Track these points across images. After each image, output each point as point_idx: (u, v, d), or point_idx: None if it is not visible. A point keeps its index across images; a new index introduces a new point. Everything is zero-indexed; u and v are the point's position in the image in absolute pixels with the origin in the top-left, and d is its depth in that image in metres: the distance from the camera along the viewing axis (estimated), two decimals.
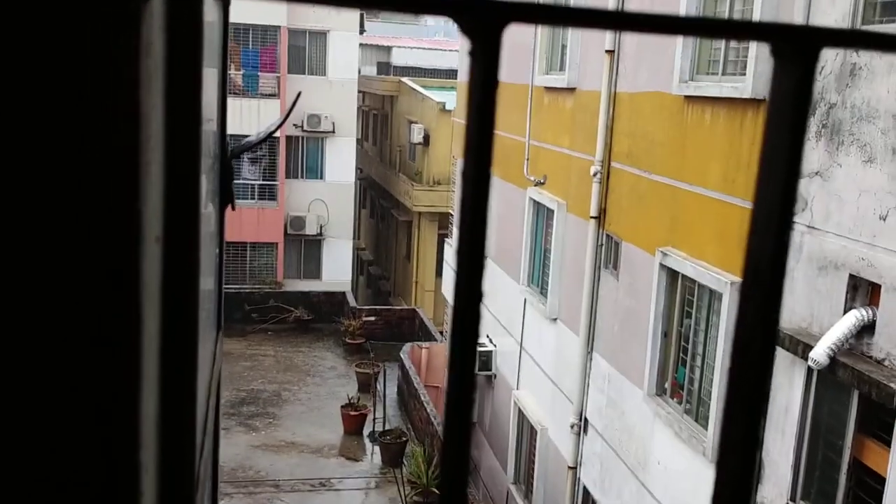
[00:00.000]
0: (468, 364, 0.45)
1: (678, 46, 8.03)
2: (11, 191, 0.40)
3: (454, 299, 0.46)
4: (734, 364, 0.48)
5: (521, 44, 12.47)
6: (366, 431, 16.60)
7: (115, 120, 0.40)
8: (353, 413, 16.50)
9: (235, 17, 22.79)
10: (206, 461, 1.10)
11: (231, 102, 24.22)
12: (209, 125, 1.14)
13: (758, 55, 6.81)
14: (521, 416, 12.35)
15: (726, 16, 7.59)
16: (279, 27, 23.79)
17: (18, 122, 0.40)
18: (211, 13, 1.08)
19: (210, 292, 1.24)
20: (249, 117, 23.33)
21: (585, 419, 10.23)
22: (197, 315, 0.62)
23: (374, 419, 16.31)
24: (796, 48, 0.43)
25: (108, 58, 0.39)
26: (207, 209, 1.13)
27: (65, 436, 0.45)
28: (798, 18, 6.29)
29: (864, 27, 5.77)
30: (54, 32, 0.39)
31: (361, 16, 25.79)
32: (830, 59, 5.98)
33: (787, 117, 0.44)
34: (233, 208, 1.43)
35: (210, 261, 1.20)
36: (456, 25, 0.43)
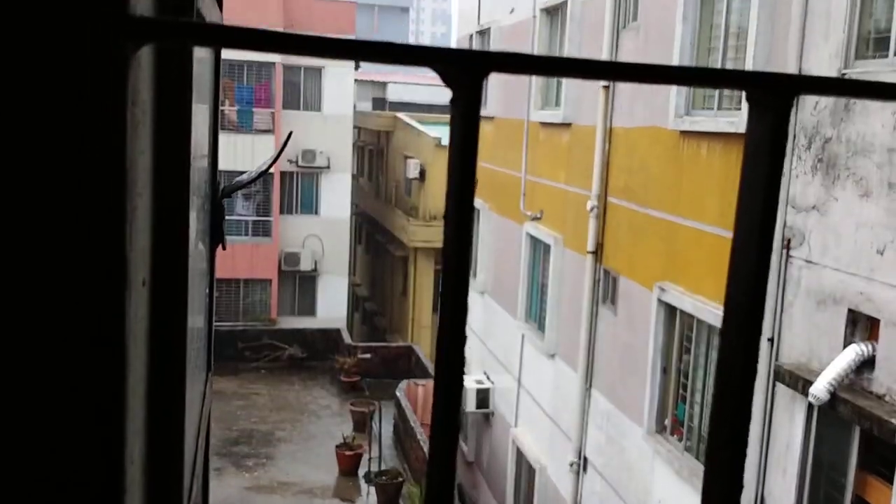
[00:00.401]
0: (453, 404, 0.45)
1: None
2: None
3: (438, 342, 0.46)
4: (718, 388, 0.48)
5: (516, 79, 12.62)
6: (361, 472, 16.38)
7: (100, 166, 0.41)
8: (348, 453, 16.30)
9: (230, 53, 23.05)
10: (196, 502, 1.09)
11: (225, 138, 24.36)
12: (201, 164, 1.15)
13: None
14: (520, 454, 12.22)
15: (720, 53, 7.70)
16: (274, 63, 24.04)
17: (6, 166, 0.41)
18: (202, 51, 1.10)
19: (200, 332, 1.24)
20: (244, 153, 23.45)
21: (585, 457, 10.13)
22: (185, 358, 0.62)
23: (369, 459, 16.11)
24: (770, 95, 0.44)
25: (95, 106, 0.40)
26: (198, 248, 1.13)
27: (50, 481, 0.45)
28: (791, 55, 6.38)
29: (858, 62, 5.85)
30: (44, 80, 0.40)
31: None
32: None
33: (763, 163, 0.44)
34: (223, 248, 1.44)
35: (200, 301, 1.20)
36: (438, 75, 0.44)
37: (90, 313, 0.41)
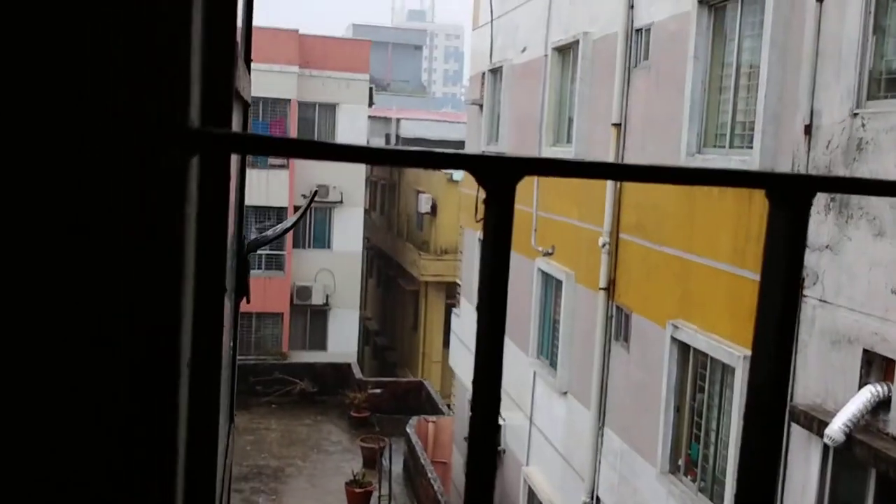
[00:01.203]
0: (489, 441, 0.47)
1: (685, 119, 8.17)
2: (63, 313, 0.43)
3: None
4: (746, 432, 0.49)
5: (528, 115, 12.72)
6: None
7: (159, 264, 0.43)
8: (357, 490, 16.15)
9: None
10: None
11: None
12: (228, 224, 1.18)
13: (764, 129, 6.92)
14: (532, 493, 12.07)
15: (732, 92, 7.75)
16: (289, 100, 24.35)
17: (91, 253, 0.43)
18: (237, 120, 1.13)
19: (224, 386, 1.26)
20: (258, 188, 23.64)
21: (597, 497, 10.00)
22: (217, 434, 0.65)
23: (379, 496, 15.95)
24: (790, 194, 0.46)
25: (157, 210, 0.43)
26: (226, 305, 1.15)
27: None
28: (803, 94, 6.41)
29: (870, 102, 5.87)
30: (113, 191, 0.43)
31: (370, 89, 26.41)
32: (837, 133, 6.07)
33: (783, 258, 0.46)
34: (247, 301, 1.46)
35: (226, 357, 1.22)
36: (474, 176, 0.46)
37: (146, 396, 0.44)
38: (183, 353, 0.47)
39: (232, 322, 1.34)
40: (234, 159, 1.08)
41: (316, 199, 24.85)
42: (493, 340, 0.45)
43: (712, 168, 0.47)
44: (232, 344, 1.38)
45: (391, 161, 0.43)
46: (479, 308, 0.46)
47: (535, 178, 9.76)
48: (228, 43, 0.67)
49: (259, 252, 24.67)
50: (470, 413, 0.45)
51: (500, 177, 0.43)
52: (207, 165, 0.57)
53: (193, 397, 0.58)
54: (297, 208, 24.80)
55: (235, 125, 1.07)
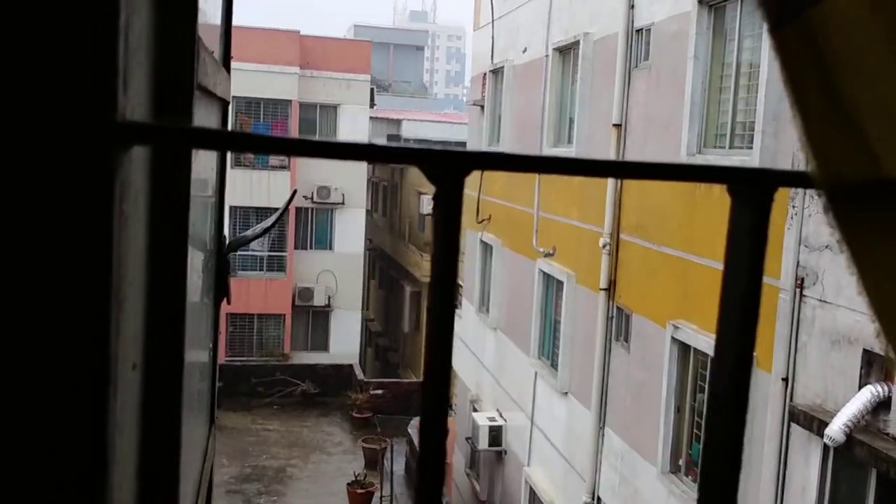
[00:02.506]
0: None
1: (685, 119, 8.16)
2: None
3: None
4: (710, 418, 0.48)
5: (529, 116, 12.71)
6: None
7: (85, 260, 0.42)
8: (359, 491, 16.15)
9: (247, 91, 23.41)
10: None
11: (242, 175, 24.45)
12: (204, 226, 1.17)
13: (764, 128, 6.90)
14: (533, 493, 12.06)
15: (732, 92, 7.73)
16: (290, 101, 24.35)
17: None
18: (208, 119, 1.12)
19: (202, 388, 1.24)
20: (259, 189, 23.66)
21: (598, 497, 9.98)
22: (179, 436, 0.63)
23: (381, 497, 15.95)
24: (752, 189, 0.44)
25: (81, 209, 0.41)
26: (202, 306, 1.14)
27: None
28: None
29: None
30: (32, 177, 0.41)
31: (372, 90, 26.41)
32: None
33: (746, 252, 0.45)
34: (228, 302, 1.45)
35: (203, 357, 1.21)
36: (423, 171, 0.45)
37: (72, 391, 0.42)
38: (123, 357, 0.46)
39: (212, 323, 1.33)
40: (205, 156, 1.07)
41: (318, 200, 24.86)
42: (442, 342, 0.43)
43: (672, 163, 0.46)
44: (212, 345, 1.37)
45: (333, 154, 0.41)
46: (428, 308, 0.45)
47: (536, 180, 9.78)
48: (187, 37, 0.65)
49: (260, 253, 24.68)
50: (421, 392, 0.44)
51: (447, 171, 0.42)
52: (160, 161, 0.56)
53: (150, 400, 0.57)
54: (298, 210, 24.81)
55: (206, 122, 1.06)
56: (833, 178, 0.44)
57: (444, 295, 0.44)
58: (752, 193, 0.45)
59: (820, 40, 0.42)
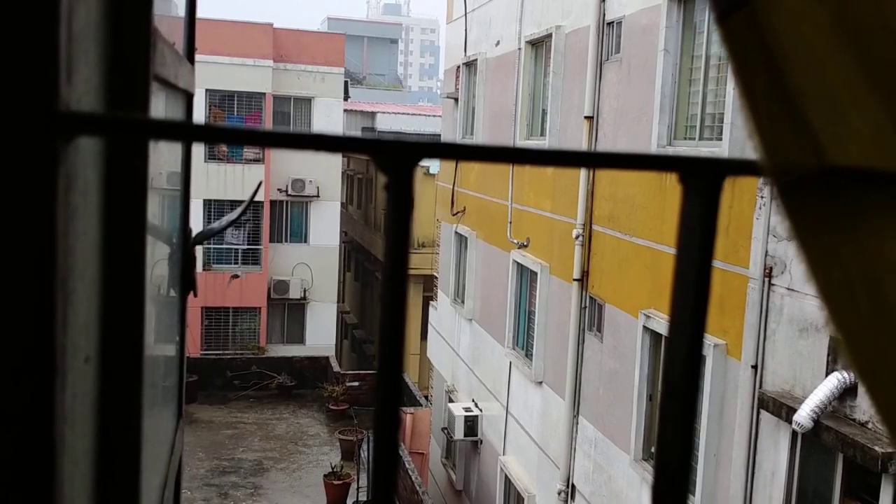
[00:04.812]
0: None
1: (655, 111, 8.22)
2: None
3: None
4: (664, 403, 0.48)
5: (503, 108, 12.73)
6: (349, 501, 16.21)
7: (26, 251, 0.41)
8: (336, 482, 16.14)
9: (221, 83, 23.21)
10: None
11: (216, 167, 24.20)
12: (173, 213, 1.15)
13: (733, 120, 6.98)
14: (508, 482, 12.13)
15: (702, 84, 7.79)
16: (264, 94, 24.15)
17: None
18: (173, 111, 1.10)
19: (168, 380, 1.23)
20: (234, 182, 23.47)
21: (573, 485, 10.07)
22: (139, 430, 0.62)
23: (357, 488, 15.96)
24: (702, 178, 0.45)
25: (21, 202, 0.41)
26: (167, 298, 1.13)
27: None
28: None
29: None
30: None
31: (346, 82, 26.27)
32: None
33: (696, 239, 0.45)
34: (195, 295, 1.44)
35: (168, 350, 1.20)
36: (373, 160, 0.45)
37: (21, 386, 0.42)
38: (73, 349, 0.45)
39: (178, 316, 1.32)
40: (169, 148, 1.06)
41: (293, 193, 24.70)
42: (395, 331, 0.43)
43: (624, 153, 0.46)
44: (178, 338, 1.36)
45: (285, 144, 0.41)
46: (382, 297, 0.45)
47: (510, 172, 9.79)
48: (141, 27, 0.64)
49: (235, 247, 24.49)
50: (377, 379, 0.44)
51: (397, 160, 0.42)
52: (112, 153, 0.55)
53: (108, 393, 0.56)
54: (273, 203, 24.65)
55: (168, 115, 1.05)
56: (781, 167, 0.44)
57: (396, 282, 0.44)
58: (703, 182, 0.45)
59: (766, 29, 0.43)
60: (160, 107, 0.91)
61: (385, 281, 0.43)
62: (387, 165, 0.42)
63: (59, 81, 0.41)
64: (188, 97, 1.32)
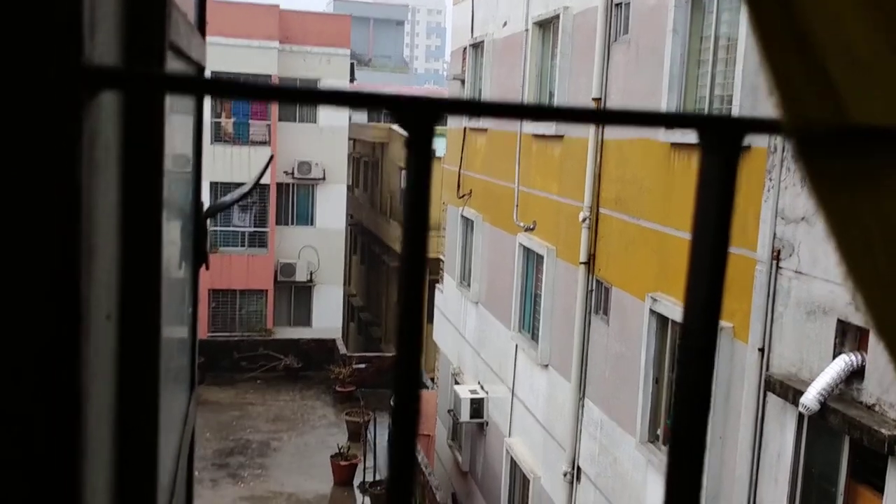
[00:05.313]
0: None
1: (664, 92, 8.17)
2: None
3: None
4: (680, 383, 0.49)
5: (509, 90, 12.67)
6: (356, 482, 16.34)
7: (51, 215, 0.42)
8: (343, 463, 16.26)
9: (226, 65, 23.12)
10: None
11: (223, 150, 24.19)
12: (181, 186, 1.16)
13: (742, 102, 6.93)
14: (514, 464, 12.20)
15: (710, 65, 7.74)
16: (270, 76, 24.08)
17: None
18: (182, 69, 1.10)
19: (182, 351, 1.24)
20: (240, 164, 23.47)
21: (578, 467, 10.12)
22: (157, 386, 0.63)
23: (364, 469, 16.07)
24: (721, 138, 0.45)
25: (47, 154, 0.41)
26: (180, 269, 1.13)
27: None
28: None
29: None
30: None
31: (352, 64, 26.18)
32: None
33: (715, 200, 0.46)
34: (206, 268, 1.45)
35: (182, 320, 1.21)
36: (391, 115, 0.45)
37: (44, 343, 0.42)
38: (96, 305, 0.46)
39: (191, 288, 1.33)
40: (181, 121, 1.06)
41: (299, 175, 24.69)
42: (414, 288, 0.44)
43: (643, 111, 0.46)
44: (191, 310, 1.37)
45: (303, 100, 0.41)
46: (401, 257, 0.46)
47: (516, 155, 9.76)
48: None
49: (242, 229, 24.53)
50: (395, 348, 0.45)
51: (418, 117, 0.42)
52: (131, 111, 0.55)
53: (126, 350, 0.57)
54: (279, 186, 24.66)
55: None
56: (801, 125, 0.44)
57: (416, 243, 0.45)
58: (721, 141, 0.45)
59: None
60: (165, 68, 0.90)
61: (406, 234, 0.43)
62: (408, 122, 0.42)
63: (83, 38, 0.41)
64: (199, 70, 1.33)
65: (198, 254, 1.32)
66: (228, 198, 2.12)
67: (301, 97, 0.43)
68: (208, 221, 1.46)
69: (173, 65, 0.80)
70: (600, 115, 0.44)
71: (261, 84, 0.40)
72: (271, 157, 3.15)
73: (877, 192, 0.44)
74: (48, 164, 0.41)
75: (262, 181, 23.84)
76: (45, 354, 0.43)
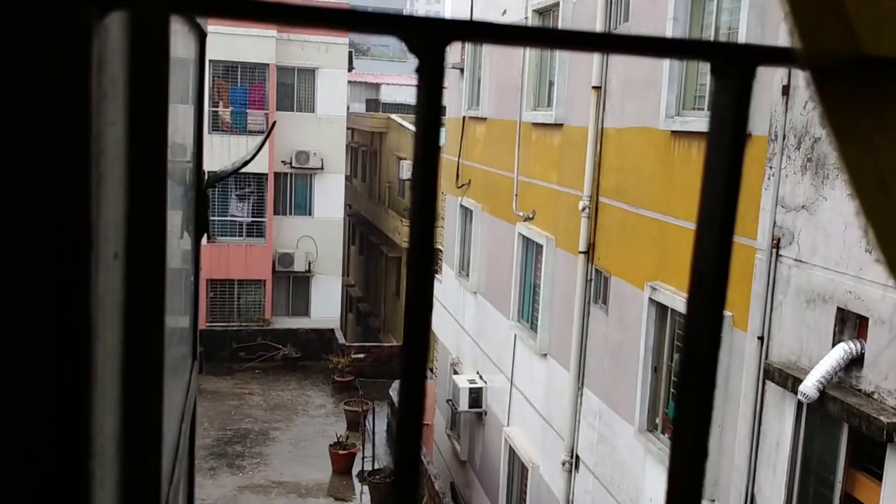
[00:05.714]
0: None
1: (664, 82, 8.15)
2: None
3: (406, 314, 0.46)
4: (684, 370, 0.49)
5: (509, 79, 12.64)
6: (355, 471, 16.38)
7: (62, 134, 0.41)
8: (341, 452, 16.30)
9: (224, 54, 23.05)
10: (178, 488, 1.09)
11: (220, 139, 24.14)
12: (184, 154, 1.15)
13: None
14: (512, 453, 12.23)
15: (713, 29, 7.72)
16: (268, 65, 24.01)
17: None
18: (186, 49, 1.10)
19: (185, 318, 1.24)
20: (238, 153, 23.38)
21: (577, 456, 10.15)
22: (163, 327, 0.63)
23: (363, 458, 16.11)
24: (734, 65, 0.44)
25: (56, 73, 0.41)
26: (183, 238, 1.13)
27: (13, 453, 0.45)
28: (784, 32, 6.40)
29: None
30: (4, 40, 0.40)
31: (350, 53, 26.08)
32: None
33: (727, 133, 0.45)
34: (209, 238, 1.44)
35: (185, 288, 1.20)
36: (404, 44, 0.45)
37: (54, 278, 0.42)
38: (104, 244, 0.45)
39: (193, 255, 1.32)
40: (192, 76, 1.05)
41: (297, 165, 24.64)
42: (426, 223, 0.43)
43: (653, 36, 0.46)
44: (193, 278, 1.36)
45: (309, 21, 0.41)
46: (412, 189, 0.45)
47: (515, 143, 9.73)
48: None
49: (240, 219, 24.49)
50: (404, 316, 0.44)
51: (429, 40, 0.41)
52: (136, 35, 0.55)
53: (133, 289, 0.56)
54: (277, 175, 24.61)
55: (185, 51, 1.04)
56: (815, 55, 0.44)
57: (428, 169, 0.44)
58: (733, 69, 0.45)
59: None
60: (178, 43, 0.90)
61: (416, 165, 0.43)
62: (418, 45, 0.41)
63: None
64: (202, 36, 1.32)
65: (200, 223, 1.32)
66: (230, 166, 2.11)
67: (310, 18, 0.42)
68: (209, 192, 1.46)
69: (177, 30, 0.79)
70: (609, 40, 0.43)
71: (267, 1, 0.40)
72: (273, 123, 3.13)
73: (890, 122, 0.44)
74: (59, 83, 0.41)
75: (260, 171, 23.79)
76: (57, 284, 0.42)
